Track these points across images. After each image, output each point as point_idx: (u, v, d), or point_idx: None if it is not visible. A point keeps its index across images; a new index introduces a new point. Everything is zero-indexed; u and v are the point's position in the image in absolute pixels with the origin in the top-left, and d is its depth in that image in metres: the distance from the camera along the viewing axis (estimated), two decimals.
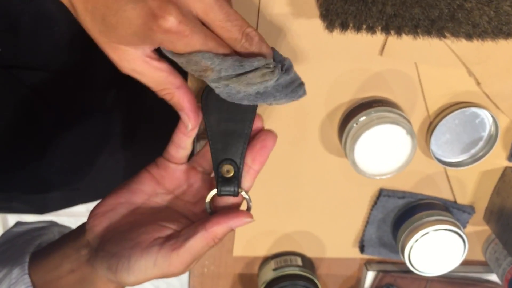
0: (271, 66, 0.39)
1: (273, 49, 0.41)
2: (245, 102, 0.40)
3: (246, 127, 0.42)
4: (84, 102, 0.69)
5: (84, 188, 0.81)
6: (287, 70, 0.40)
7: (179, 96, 0.40)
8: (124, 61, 0.38)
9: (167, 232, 0.42)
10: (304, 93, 0.42)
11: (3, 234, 0.50)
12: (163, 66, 0.39)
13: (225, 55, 0.38)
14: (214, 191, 0.44)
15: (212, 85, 0.39)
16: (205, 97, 0.42)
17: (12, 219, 1.74)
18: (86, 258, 0.42)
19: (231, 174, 0.43)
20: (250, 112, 0.42)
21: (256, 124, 0.43)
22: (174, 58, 0.38)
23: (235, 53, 0.38)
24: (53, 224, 0.53)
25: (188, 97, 0.41)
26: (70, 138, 0.69)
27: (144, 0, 0.34)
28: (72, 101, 0.68)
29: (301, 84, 0.42)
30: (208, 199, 0.44)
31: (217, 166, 0.43)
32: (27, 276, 0.42)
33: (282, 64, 0.40)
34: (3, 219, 1.66)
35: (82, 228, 0.44)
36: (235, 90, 0.39)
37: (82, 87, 0.67)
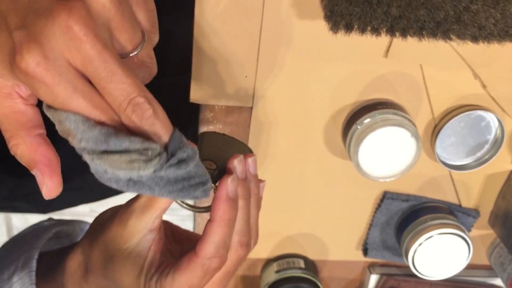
0: (149, 153, 0.31)
1: (174, 132, 0.32)
2: (114, 186, 0.32)
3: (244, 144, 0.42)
4: None
5: (87, 188, 0.81)
6: (181, 163, 0.32)
7: (29, 147, 0.32)
8: None
9: None
10: (205, 195, 0.34)
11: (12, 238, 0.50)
12: (28, 111, 0.32)
13: (98, 123, 0.31)
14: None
15: (81, 153, 0.32)
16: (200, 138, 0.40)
17: (16, 218, 1.74)
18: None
19: (214, 168, 0.39)
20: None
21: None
22: (45, 110, 0.32)
23: (119, 123, 0.31)
24: (52, 224, 0.53)
25: (44, 149, 0.32)
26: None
27: (12, 31, 0.29)
28: None
29: (201, 184, 0.34)
30: None
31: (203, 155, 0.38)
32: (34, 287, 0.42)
33: (173, 153, 0.32)
34: (6, 218, 1.66)
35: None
36: (101, 168, 0.31)
37: None
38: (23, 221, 1.79)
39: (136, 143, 0.30)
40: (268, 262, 0.63)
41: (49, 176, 0.32)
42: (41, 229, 0.57)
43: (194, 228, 0.66)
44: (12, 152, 0.32)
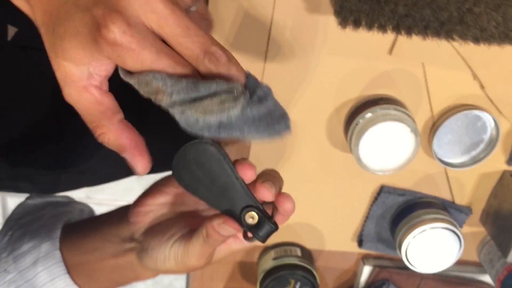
0: (235, 92, 0.33)
1: (248, 73, 0.35)
2: (206, 134, 0.34)
3: (231, 175, 0.38)
4: None
5: (90, 171, 0.83)
6: (261, 100, 0.34)
7: (115, 134, 0.34)
8: (65, 82, 0.34)
9: (188, 229, 0.43)
10: (287, 128, 0.36)
11: (19, 205, 0.51)
12: (104, 100, 0.34)
13: (182, 76, 0.33)
14: (247, 242, 0.42)
15: (170, 111, 0.34)
16: (178, 180, 0.38)
17: (12, 201, 1.75)
18: (130, 246, 0.43)
19: (257, 218, 0.39)
20: (222, 162, 0.37)
21: (247, 173, 0.38)
22: (126, 79, 0.34)
23: (198, 74, 0.34)
24: (70, 200, 0.54)
25: (128, 133, 0.35)
26: (79, 120, 0.71)
27: (89, 8, 0.31)
28: None
29: (283, 116, 0.36)
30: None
31: (240, 221, 0.39)
32: (58, 252, 0.43)
33: (252, 91, 0.34)
34: (3, 201, 1.67)
35: (122, 217, 0.45)
36: (193, 119, 0.33)
37: None
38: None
39: (222, 85, 0.33)
40: (266, 249, 0.65)
41: (139, 157, 0.35)
42: (47, 216, 0.59)
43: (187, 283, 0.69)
44: (100, 141, 0.35)
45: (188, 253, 0.41)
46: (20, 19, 0.58)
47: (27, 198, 0.52)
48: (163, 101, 0.33)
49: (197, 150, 0.36)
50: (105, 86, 0.35)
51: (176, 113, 0.33)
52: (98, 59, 0.32)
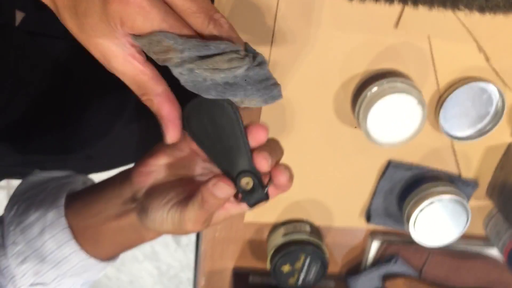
0: (241, 52, 0.36)
1: (246, 42, 0.38)
2: (213, 94, 0.37)
3: (241, 140, 0.40)
4: (102, 73, 0.71)
5: (97, 157, 0.84)
6: (260, 64, 0.37)
7: (158, 104, 0.38)
8: (105, 59, 0.37)
9: (186, 194, 0.44)
10: (280, 95, 0.39)
11: (23, 182, 0.52)
12: (146, 69, 0.37)
13: (189, 36, 0.35)
14: (245, 207, 0.43)
15: (176, 71, 0.36)
16: (187, 127, 0.40)
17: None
18: (132, 207, 0.44)
19: (251, 184, 0.41)
20: (234, 123, 0.39)
21: (260, 134, 0.40)
22: (137, 41, 0.36)
23: (201, 38, 0.36)
24: (74, 173, 0.55)
25: (168, 107, 0.38)
26: (87, 107, 0.71)
27: None
28: (90, 72, 0.70)
29: (276, 84, 0.39)
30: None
31: (235, 183, 0.41)
32: (63, 219, 0.44)
33: (254, 55, 0.37)
34: (8, 185, 1.66)
35: (124, 178, 0.45)
36: (201, 77, 0.36)
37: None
38: None
39: (230, 45, 0.35)
40: (275, 226, 0.66)
41: (171, 128, 0.38)
42: (50, 187, 0.59)
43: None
44: (147, 105, 0.38)
45: (185, 218, 0.41)
46: (28, 4, 0.59)
47: (30, 175, 0.52)
48: (173, 60, 0.35)
49: (213, 105, 0.38)
50: (142, 56, 0.37)
51: (183, 73, 0.35)
52: (113, 23, 0.34)
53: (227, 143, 0.39)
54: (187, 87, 0.37)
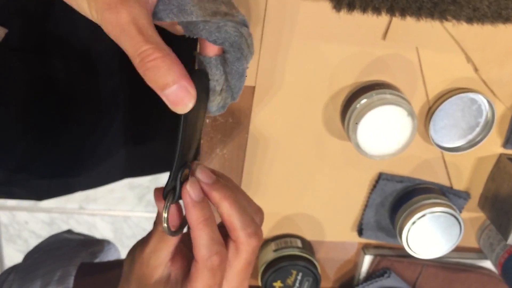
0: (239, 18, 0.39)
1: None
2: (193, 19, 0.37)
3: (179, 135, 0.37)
4: (89, 88, 0.70)
5: (84, 176, 0.82)
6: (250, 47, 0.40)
7: (167, 63, 0.34)
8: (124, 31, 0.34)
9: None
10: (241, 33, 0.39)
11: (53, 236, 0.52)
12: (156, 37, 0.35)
13: None
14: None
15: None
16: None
17: (3, 215, 1.73)
18: None
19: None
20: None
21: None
22: None
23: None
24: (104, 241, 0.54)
25: (175, 68, 0.35)
26: (73, 127, 0.70)
27: None
28: (76, 88, 0.69)
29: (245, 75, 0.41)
30: (165, 213, 0.39)
31: (178, 172, 0.38)
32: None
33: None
34: None
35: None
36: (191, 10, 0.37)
37: (89, 71, 0.68)
38: (10, 217, 1.78)
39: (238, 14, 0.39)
40: (266, 242, 0.64)
41: (189, 85, 0.35)
42: (73, 243, 0.58)
43: None
44: (153, 66, 0.35)
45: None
46: (10, 20, 0.58)
47: (64, 232, 0.53)
48: None
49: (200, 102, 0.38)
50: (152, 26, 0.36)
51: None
52: None
53: (190, 140, 0.39)
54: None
